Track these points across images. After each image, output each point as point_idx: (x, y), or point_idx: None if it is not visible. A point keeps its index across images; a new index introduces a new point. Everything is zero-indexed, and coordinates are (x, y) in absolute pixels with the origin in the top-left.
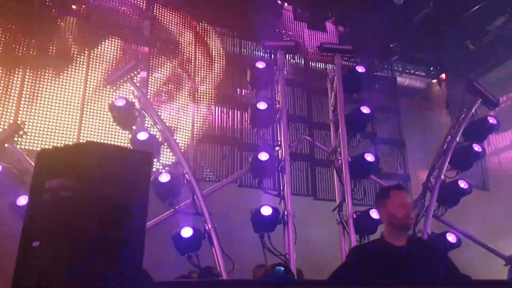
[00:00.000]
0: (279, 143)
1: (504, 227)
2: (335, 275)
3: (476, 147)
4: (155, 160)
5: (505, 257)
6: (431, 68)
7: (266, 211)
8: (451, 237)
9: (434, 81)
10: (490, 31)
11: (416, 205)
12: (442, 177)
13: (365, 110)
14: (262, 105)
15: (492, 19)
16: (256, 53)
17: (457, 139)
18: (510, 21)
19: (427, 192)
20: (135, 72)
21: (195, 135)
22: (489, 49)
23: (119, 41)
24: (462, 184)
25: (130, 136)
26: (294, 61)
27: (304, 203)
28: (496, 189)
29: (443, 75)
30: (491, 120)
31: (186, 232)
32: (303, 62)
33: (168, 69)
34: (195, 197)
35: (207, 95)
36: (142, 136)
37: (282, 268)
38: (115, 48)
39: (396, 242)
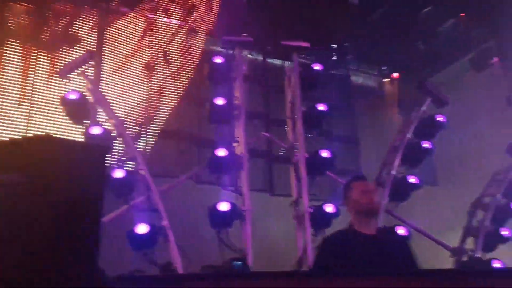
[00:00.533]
0: (237, 139)
1: (452, 220)
2: (313, 267)
3: (425, 144)
4: (108, 155)
5: (451, 249)
6: (384, 67)
7: (224, 206)
8: (401, 231)
9: (386, 80)
10: (440, 33)
11: None
12: (394, 172)
13: (321, 107)
14: (219, 101)
15: (443, 21)
16: (215, 47)
17: (408, 136)
18: (459, 24)
19: (378, 187)
20: (88, 64)
21: (151, 130)
22: (439, 50)
23: (70, 29)
24: (412, 180)
25: (83, 130)
26: (252, 57)
27: (261, 199)
28: (445, 184)
29: (395, 74)
30: (440, 118)
31: (141, 228)
32: (261, 58)
33: (122, 61)
34: (150, 193)
35: (164, 89)
36: (96, 130)
37: (240, 263)
38: (65, 37)
39: (365, 230)
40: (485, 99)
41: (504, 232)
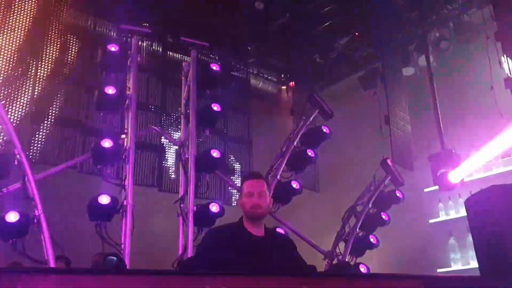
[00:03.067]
0: (125, 131)
1: (331, 225)
2: (194, 257)
3: (310, 152)
4: None
5: (324, 252)
6: (282, 75)
7: (104, 200)
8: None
9: (283, 87)
10: (335, 48)
11: None
12: (278, 177)
13: (215, 107)
14: (110, 90)
15: (339, 37)
16: (112, 33)
17: (295, 143)
18: (353, 42)
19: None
20: None
21: (34, 114)
22: (334, 65)
23: None
24: (294, 185)
25: None
26: (152, 48)
27: (150, 194)
28: (325, 191)
29: (292, 83)
30: (325, 130)
31: (11, 216)
32: (161, 50)
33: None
34: (26, 180)
35: (51, 72)
36: None
37: (115, 258)
38: None
39: (253, 231)
40: (368, 115)
41: (372, 239)
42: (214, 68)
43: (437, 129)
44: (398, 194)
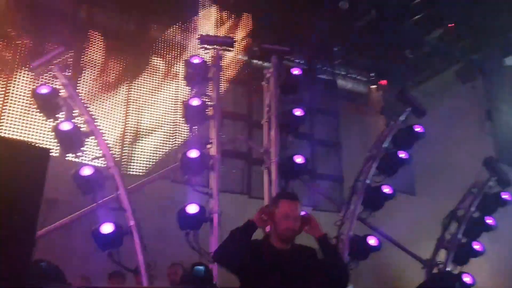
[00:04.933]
0: (211, 140)
1: (429, 230)
2: None
3: (402, 154)
4: (79, 152)
5: (422, 260)
6: (372, 74)
7: (191, 209)
8: (372, 240)
9: (373, 86)
10: (427, 42)
11: (342, 207)
12: (368, 181)
13: (297, 112)
14: (194, 102)
15: (430, 31)
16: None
17: (386, 144)
18: (446, 34)
19: (353, 195)
20: (64, 59)
21: (128, 129)
22: (426, 60)
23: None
24: (387, 189)
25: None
26: (238, 58)
27: (239, 201)
28: (423, 194)
29: (383, 81)
30: (418, 129)
31: (106, 228)
32: (246, 59)
33: (102, 58)
34: (118, 192)
35: (143, 86)
36: (65, 126)
37: (202, 268)
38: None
39: (279, 245)
40: (468, 110)
41: (476, 246)
42: (295, 72)
43: None
44: (505, 196)
